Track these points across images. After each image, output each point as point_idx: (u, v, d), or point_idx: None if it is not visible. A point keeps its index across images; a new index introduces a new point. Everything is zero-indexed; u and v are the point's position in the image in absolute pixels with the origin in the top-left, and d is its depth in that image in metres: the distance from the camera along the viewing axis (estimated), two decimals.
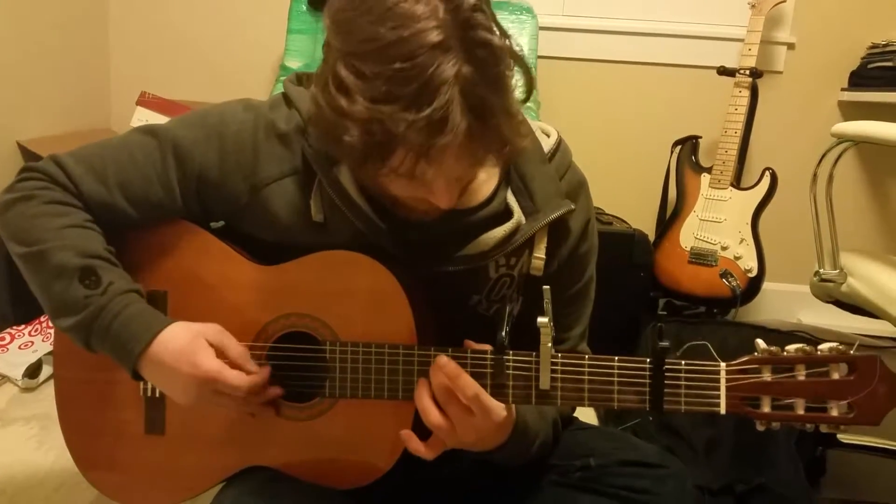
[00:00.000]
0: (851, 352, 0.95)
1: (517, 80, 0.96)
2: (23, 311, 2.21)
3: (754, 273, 2.55)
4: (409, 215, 1.08)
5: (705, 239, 2.62)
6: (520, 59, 0.95)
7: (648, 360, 0.99)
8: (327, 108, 0.89)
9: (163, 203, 1.12)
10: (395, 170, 0.89)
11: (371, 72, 0.85)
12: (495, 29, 0.90)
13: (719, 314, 2.68)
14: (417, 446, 1.02)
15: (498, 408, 1.00)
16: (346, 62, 0.87)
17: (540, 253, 1.14)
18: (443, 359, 1.00)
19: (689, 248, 2.64)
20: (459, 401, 0.99)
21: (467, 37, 0.86)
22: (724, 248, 2.59)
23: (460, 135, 0.86)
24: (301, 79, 1.17)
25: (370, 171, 0.93)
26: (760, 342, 0.98)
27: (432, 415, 1.00)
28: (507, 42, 0.91)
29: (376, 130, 0.85)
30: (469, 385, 0.98)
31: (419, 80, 0.84)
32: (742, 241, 2.58)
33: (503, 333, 1.01)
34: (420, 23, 0.84)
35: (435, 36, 0.84)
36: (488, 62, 0.88)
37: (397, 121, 0.84)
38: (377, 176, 0.95)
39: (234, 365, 1.05)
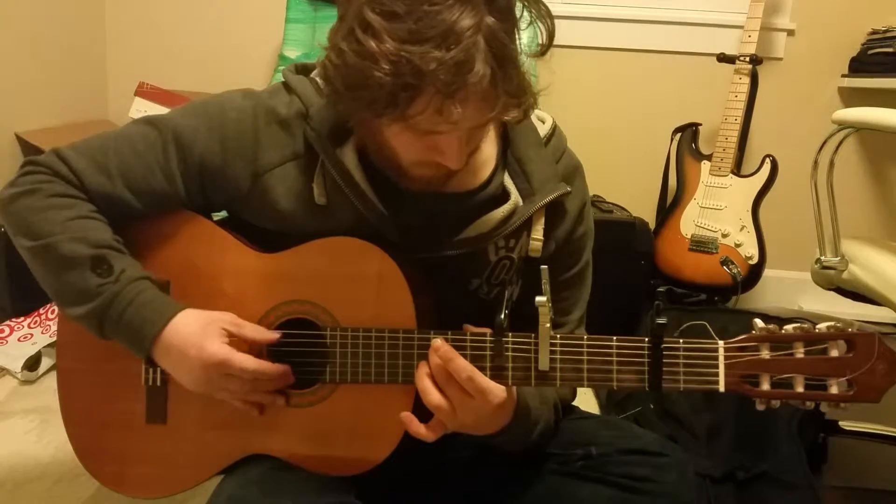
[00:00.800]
0: (850, 330, 0.95)
1: (534, 30, 1.00)
2: (22, 303, 2.22)
3: (755, 260, 2.55)
4: (412, 186, 1.08)
5: (706, 226, 2.62)
6: (541, 4, 0.98)
7: (647, 339, 1.00)
8: (353, 53, 0.89)
9: (166, 193, 1.13)
10: (420, 113, 0.90)
11: (400, 11, 0.87)
12: None
13: (720, 301, 2.69)
14: (418, 428, 1.03)
15: (496, 389, 1.01)
16: (373, 6, 0.88)
17: (538, 234, 1.15)
18: (437, 342, 1.01)
19: (689, 236, 2.64)
20: (457, 383, 0.99)
21: None
22: (724, 236, 2.59)
23: (485, 80, 0.89)
24: (300, 69, 1.18)
25: (387, 123, 0.95)
26: (758, 321, 0.98)
27: (432, 396, 1.00)
28: None
29: (406, 70, 0.86)
30: (463, 367, 0.99)
31: (446, 24, 0.86)
32: (743, 228, 2.57)
33: (502, 316, 1.01)
34: None
35: None
36: (507, 12, 0.92)
37: (427, 59, 0.86)
38: (389, 133, 0.97)
39: (251, 341, 1.07)
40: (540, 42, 1.02)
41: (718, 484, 1.70)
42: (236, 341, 1.07)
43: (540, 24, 0.99)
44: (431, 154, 0.99)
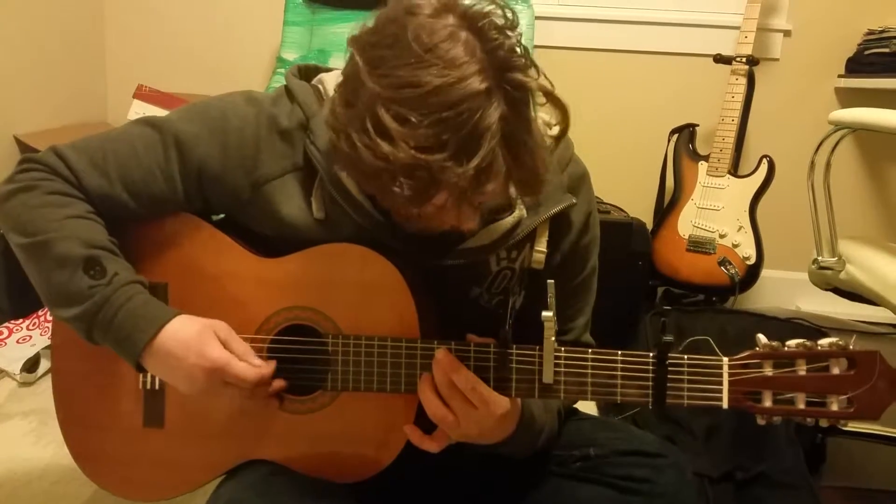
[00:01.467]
0: (851, 346, 0.96)
1: (550, 118, 1.00)
2: (20, 304, 2.22)
3: (752, 260, 2.55)
4: (411, 229, 1.07)
5: (703, 227, 2.62)
6: (553, 97, 0.96)
7: (651, 354, 1.00)
8: (367, 150, 0.86)
9: (164, 196, 1.12)
10: (438, 207, 0.90)
11: (416, 118, 0.84)
12: (528, 64, 0.90)
13: (718, 302, 2.68)
14: (422, 441, 1.03)
15: (500, 400, 1.01)
16: (388, 107, 0.85)
17: (541, 246, 1.14)
18: (441, 352, 1.00)
19: (687, 237, 2.64)
20: (462, 394, 0.99)
21: (505, 79, 0.87)
22: (722, 236, 2.59)
23: (501, 176, 0.88)
24: (302, 72, 1.17)
25: (404, 210, 0.94)
26: (761, 337, 0.98)
27: (436, 408, 1.00)
28: (541, 80, 0.92)
29: (423, 176, 0.85)
30: (467, 378, 0.98)
31: (466, 128, 0.84)
32: (740, 228, 2.57)
33: (506, 327, 1.01)
34: (461, 68, 0.85)
35: (478, 83, 0.85)
36: (524, 103, 0.89)
37: (446, 171, 0.84)
38: (408, 211, 0.95)
39: (238, 356, 1.06)
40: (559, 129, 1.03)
41: (717, 484, 1.70)
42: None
43: (557, 114, 1.00)
44: (441, 219, 0.97)
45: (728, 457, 1.77)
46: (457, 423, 1.00)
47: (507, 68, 0.87)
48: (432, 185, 0.86)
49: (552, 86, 0.96)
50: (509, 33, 0.89)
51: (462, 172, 0.84)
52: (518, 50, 0.89)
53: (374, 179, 0.89)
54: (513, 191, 1.11)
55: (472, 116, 0.84)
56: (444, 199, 0.89)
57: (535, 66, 0.91)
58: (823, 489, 1.79)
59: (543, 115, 1.18)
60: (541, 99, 0.96)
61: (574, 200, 1.14)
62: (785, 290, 2.98)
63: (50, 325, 2.22)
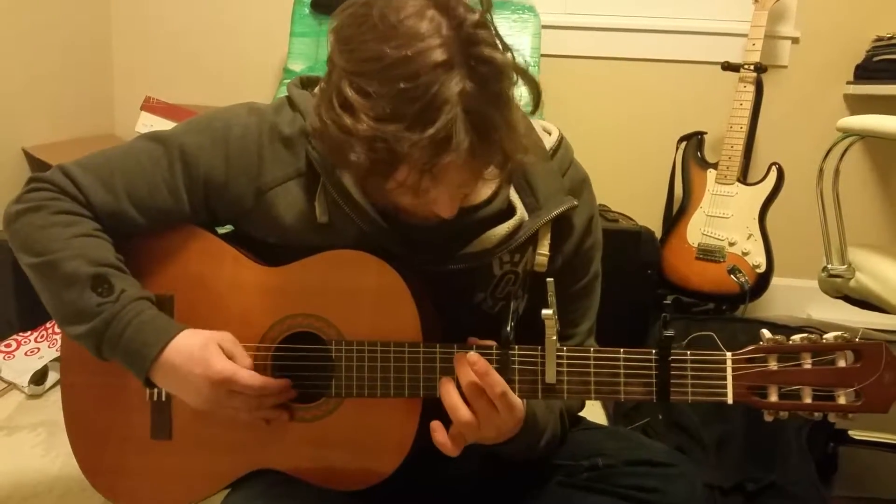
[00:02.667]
0: (857, 340, 0.95)
1: (522, 94, 0.97)
2: (28, 317, 2.22)
3: (763, 268, 2.54)
4: (412, 220, 1.08)
5: (712, 235, 2.61)
6: (524, 73, 0.96)
7: (654, 351, 1.00)
8: (332, 125, 0.90)
9: (171, 209, 1.13)
10: (400, 184, 0.91)
11: (375, 91, 0.86)
12: (498, 44, 0.91)
13: (728, 310, 2.67)
14: (443, 438, 1.01)
15: (519, 404, 1.01)
16: (351, 81, 0.88)
17: (543, 249, 1.14)
18: (474, 355, 0.99)
19: (696, 245, 2.63)
20: (487, 397, 0.99)
21: (470, 53, 0.88)
22: (731, 244, 2.58)
23: (463, 152, 0.88)
24: (305, 82, 1.18)
25: (374, 185, 0.96)
26: (765, 331, 0.99)
27: (461, 411, 0.99)
28: (509, 57, 0.92)
29: (381, 148, 0.87)
30: (499, 382, 0.98)
31: (423, 100, 0.85)
32: (750, 236, 2.56)
33: (508, 328, 1.01)
34: (424, 41, 0.86)
35: (439, 55, 0.86)
36: (490, 79, 0.89)
37: (401, 140, 0.86)
38: (381, 188, 0.96)
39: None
40: (532, 102, 1.02)
41: (728, 495, 1.68)
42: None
43: (528, 89, 0.99)
44: (423, 203, 0.99)
45: (739, 467, 1.76)
46: (478, 426, 1.00)
47: (472, 43, 0.88)
48: (392, 157, 0.87)
49: (525, 64, 0.97)
50: (476, 11, 0.90)
51: (417, 141, 0.85)
52: (485, 26, 0.90)
53: (340, 154, 0.91)
54: (513, 194, 1.11)
55: (430, 88, 0.85)
56: (405, 174, 0.89)
57: (506, 45, 0.93)
58: (835, 499, 1.77)
59: (545, 123, 1.19)
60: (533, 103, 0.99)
61: (575, 202, 1.14)
62: (796, 299, 2.96)
63: (58, 337, 2.24)
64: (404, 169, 0.89)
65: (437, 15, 0.88)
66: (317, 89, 1.12)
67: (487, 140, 0.90)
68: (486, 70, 0.89)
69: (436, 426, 1.02)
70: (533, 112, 1.02)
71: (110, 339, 1.04)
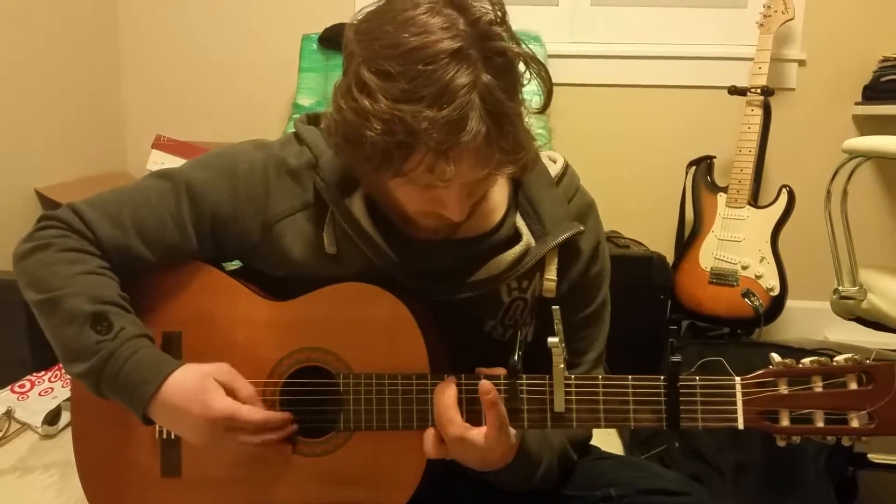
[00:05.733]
0: (868, 361, 0.94)
1: (537, 87, 1.00)
2: (42, 357, 2.23)
3: (776, 291, 2.52)
4: (420, 235, 1.09)
5: (725, 259, 2.59)
6: (539, 65, 0.98)
7: (662, 377, 0.99)
8: (349, 111, 0.91)
9: (178, 244, 1.14)
10: (414, 170, 0.91)
11: (394, 71, 0.88)
12: (512, 40, 0.94)
13: (743, 335, 2.65)
14: (429, 443, 1.02)
15: (511, 436, 1.01)
16: (369, 65, 0.90)
17: (551, 275, 1.14)
18: (487, 384, 0.99)
19: (709, 269, 2.62)
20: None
21: (485, 46, 0.90)
22: (744, 268, 2.56)
23: (479, 137, 0.89)
24: (311, 119, 1.19)
25: (386, 178, 0.96)
26: (775, 356, 0.98)
27: (456, 426, 1.00)
28: (524, 49, 0.95)
29: (398, 129, 0.88)
30: (501, 416, 0.98)
31: (440, 83, 0.87)
32: (762, 259, 2.55)
33: (515, 357, 1.01)
34: (439, 33, 0.89)
35: (455, 43, 0.88)
36: (506, 70, 0.92)
37: (419, 119, 0.87)
38: (392, 185, 0.98)
39: (241, 399, 1.06)
40: (542, 100, 1.03)
41: None
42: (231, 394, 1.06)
43: (539, 84, 1.00)
44: (433, 206, 0.99)
45: (757, 494, 1.73)
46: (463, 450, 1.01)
47: (488, 38, 0.91)
48: (409, 138, 0.88)
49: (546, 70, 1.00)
50: (489, 6, 0.93)
51: (434, 120, 0.87)
52: (500, 23, 0.93)
53: (356, 142, 0.91)
54: (520, 220, 1.12)
55: (447, 72, 0.87)
56: (421, 157, 0.90)
57: (518, 41, 0.95)
58: None
59: (550, 153, 1.19)
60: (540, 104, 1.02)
61: (582, 228, 1.14)
62: (812, 321, 2.94)
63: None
64: (420, 151, 0.89)
65: (454, 12, 0.91)
66: (323, 124, 1.13)
67: (502, 129, 0.92)
68: (502, 61, 0.92)
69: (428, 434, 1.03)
70: (542, 110, 1.03)
71: (108, 378, 1.04)
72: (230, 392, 1.06)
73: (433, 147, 0.89)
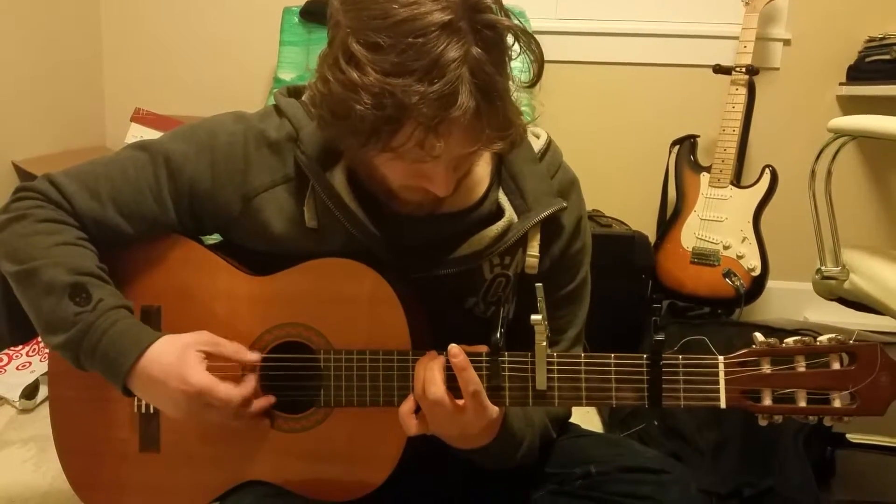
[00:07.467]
0: (851, 341, 0.94)
1: (522, 62, 0.97)
2: (20, 331, 2.21)
3: (758, 272, 2.53)
4: (403, 209, 1.08)
5: (707, 238, 2.60)
6: (530, 38, 0.96)
7: (645, 356, 0.99)
8: (337, 83, 0.89)
9: (156, 217, 1.13)
10: (402, 145, 0.90)
11: (384, 43, 0.86)
12: (501, 12, 0.92)
13: (724, 314, 2.66)
14: (408, 418, 1.01)
15: (492, 410, 1.00)
16: (358, 37, 0.87)
17: (533, 251, 1.14)
18: (455, 348, 0.98)
19: (690, 249, 2.62)
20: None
21: (475, 18, 0.88)
22: (726, 248, 2.57)
23: (469, 112, 0.88)
24: (291, 91, 1.18)
25: (373, 152, 0.94)
26: (758, 335, 0.98)
27: (436, 387, 0.98)
28: (514, 22, 0.93)
29: (388, 103, 0.86)
30: (474, 381, 0.98)
31: (430, 56, 0.85)
32: (744, 239, 2.55)
33: (497, 335, 1.00)
34: (429, 3, 0.86)
35: (445, 15, 0.86)
36: (495, 44, 0.90)
37: (410, 93, 0.85)
38: (377, 160, 0.97)
39: (229, 360, 1.06)
40: (531, 74, 1.00)
41: (724, 501, 1.67)
42: (217, 362, 1.06)
43: (529, 57, 0.98)
44: (419, 180, 0.98)
45: (736, 473, 1.74)
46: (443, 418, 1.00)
47: (478, 10, 0.89)
48: (399, 112, 0.86)
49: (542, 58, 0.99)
50: None
51: (425, 93, 0.85)
52: None
53: (343, 116, 0.89)
54: (502, 196, 1.11)
55: (438, 45, 0.85)
56: (410, 132, 0.88)
57: (507, 13, 0.93)
58: (834, 503, 1.76)
59: (533, 128, 1.18)
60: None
61: (564, 204, 1.13)
62: (792, 301, 2.95)
63: (48, 351, 2.22)
64: (409, 126, 0.88)
65: None
66: (304, 97, 1.11)
67: (491, 104, 0.90)
68: (492, 35, 0.90)
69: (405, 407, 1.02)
70: (532, 85, 1.01)
71: (87, 349, 1.03)
72: (215, 357, 1.05)
73: (423, 122, 0.87)
